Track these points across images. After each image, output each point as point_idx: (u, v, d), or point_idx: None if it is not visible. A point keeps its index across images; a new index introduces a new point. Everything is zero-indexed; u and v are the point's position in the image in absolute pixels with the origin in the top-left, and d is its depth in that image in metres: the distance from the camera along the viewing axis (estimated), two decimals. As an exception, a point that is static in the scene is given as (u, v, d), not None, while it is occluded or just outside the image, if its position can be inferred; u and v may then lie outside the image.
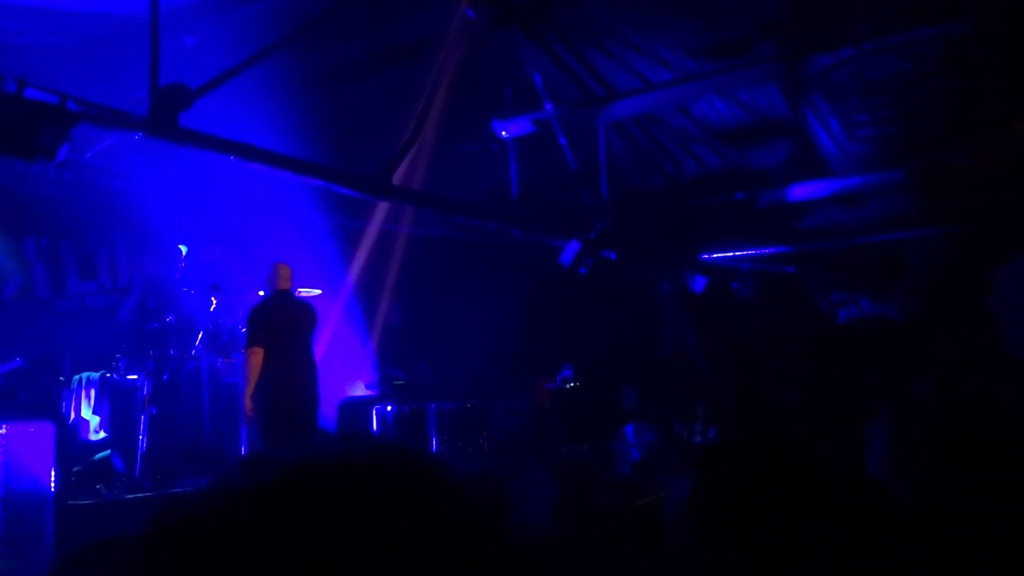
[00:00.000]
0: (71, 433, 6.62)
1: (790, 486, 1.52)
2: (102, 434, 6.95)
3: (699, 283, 10.38)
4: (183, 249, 7.29)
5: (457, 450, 8.29)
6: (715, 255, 9.97)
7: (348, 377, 9.15)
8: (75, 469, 6.36)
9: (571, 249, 7.94)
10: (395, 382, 8.93)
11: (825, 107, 7.36)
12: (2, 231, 7.38)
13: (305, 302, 6.91)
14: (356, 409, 8.24)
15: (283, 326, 6.47)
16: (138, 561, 0.63)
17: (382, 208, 8.86)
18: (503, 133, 7.70)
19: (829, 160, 8.08)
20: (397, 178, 6.15)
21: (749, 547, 1.48)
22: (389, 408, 8.35)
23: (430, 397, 8.44)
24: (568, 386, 9.83)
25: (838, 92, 7.20)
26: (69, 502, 5.72)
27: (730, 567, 1.51)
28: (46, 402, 6.46)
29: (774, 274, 10.19)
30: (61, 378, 6.86)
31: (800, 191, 8.46)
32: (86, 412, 6.94)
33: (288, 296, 6.70)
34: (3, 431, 6.11)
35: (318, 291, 8.40)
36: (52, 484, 5.65)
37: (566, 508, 5.84)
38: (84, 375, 6.99)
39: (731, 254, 9.95)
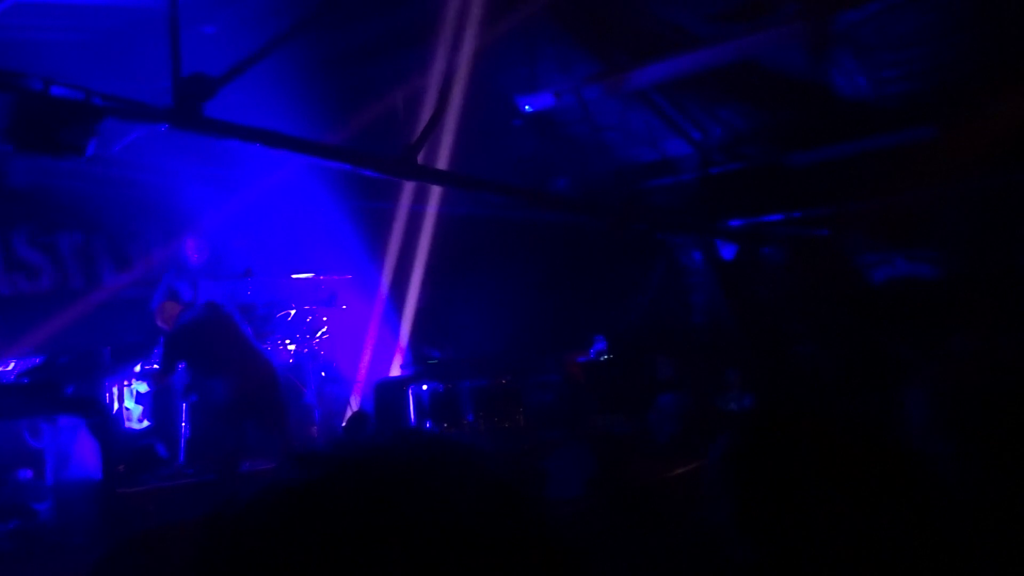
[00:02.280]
0: (115, 423, 6.77)
1: (824, 454, 1.51)
2: (145, 423, 7.10)
3: (729, 250, 10.30)
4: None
5: (493, 427, 8.33)
6: (745, 220, 9.87)
7: (382, 358, 9.23)
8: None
9: (597, 220, 7.91)
10: (429, 361, 8.98)
11: (852, 64, 7.21)
12: (36, 227, 7.51)
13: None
14: (391, 389, 8.30)
15: (214, 338, 6.46)
16: (194, 555, 0.66)
17: (409, 188, 8.87)
18: (526, 107, 7.66)
19: (858, 118, 7.94)
20: (422, 157, 6.14)
21: (782, 515, 1.47)
22: (424, 387, 8.40)
23: (464, 375, 8.48)
24: (601, 359, 9.81)
25: (865, 48, 7.05)
26: (116, 490, 5.85)
27: (763, 534, 1.50)
28: (90, 394, 6.59)
29: (806, 237, 10.07)
30: (102, 370, 6.99)
31: (829, 150, 8.33)
32: (129, 402, 7.08)
33: (209, 308, 6.67)
34: (51, 424, 6.28)
35: (309, 274, 8.47)
36: (99, 473, 5.79)
37: (603, 480, 5.85)
38: (125, 366, 7.13)
39: (761, 219, 9.84)
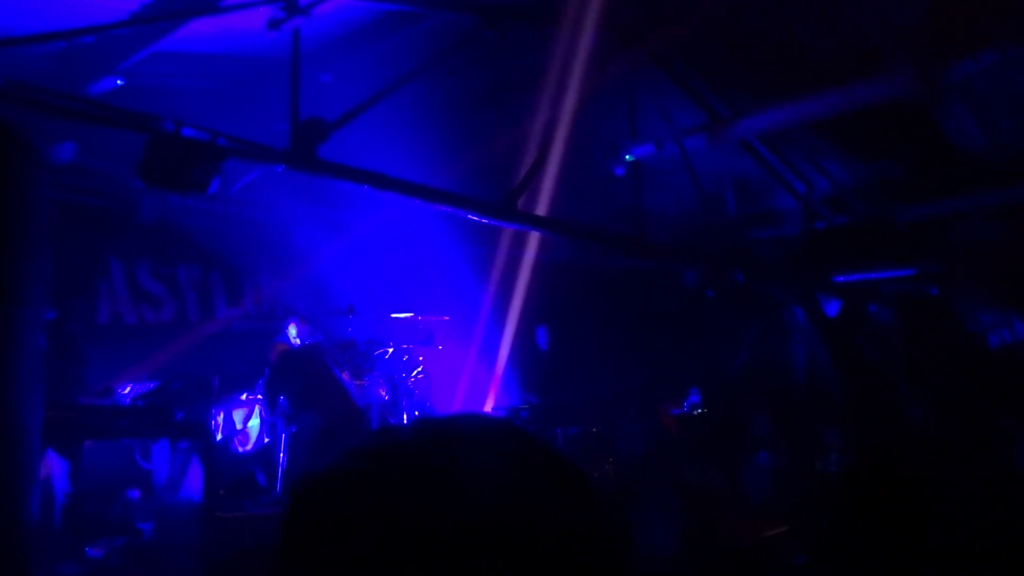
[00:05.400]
0: (218, 450, 7.05)
1: (929, 519, 1.47)
2: (250, 445, 7.37)
3: (833, 306, 10.00)
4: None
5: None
6: (850, 276, 9.58)
7: (475, 400, 9.31)
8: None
9: (696, 271, 7.83)
10: (522, 406, 9.00)
11: (966, 117, 6.99)
12: (158, 260, 7.99)
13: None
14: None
15: (306, 375, 6.91)
16: (283, 511, 0.72)
17: (509, 233, 9.01)
18: (627, 156, 7.71)
19: (972, 171, 7.66)
20: (523, 203, 6.25)
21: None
22: (515, 432, 8.40)
23: (555, 420, 8.46)
24: (695, 412, 9.62)
25: (980, 100, 6.83)
26: (216, 514, 6.06)
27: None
28: (197, 420, 6.90)
29: (915, 296, 9.69)
30: (210, 397, 7.32)
31: (942, 205, 8.04)
32: (254, 421, 7.41)
33: (303, 346, 7.23)
34: (160, 447, 6.59)
35: (409, 314, 8.63)
36: (201, 497, 6.01)
37: (695, 536, 5.70)
38: (231, 394, 7.45)
39: (868, 275, 9.55)
